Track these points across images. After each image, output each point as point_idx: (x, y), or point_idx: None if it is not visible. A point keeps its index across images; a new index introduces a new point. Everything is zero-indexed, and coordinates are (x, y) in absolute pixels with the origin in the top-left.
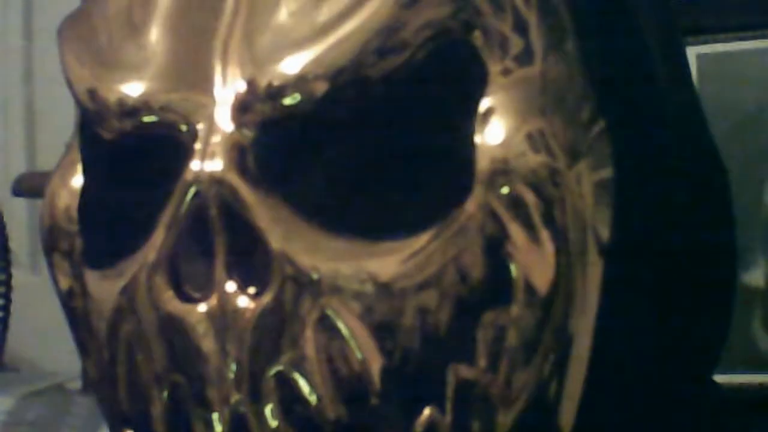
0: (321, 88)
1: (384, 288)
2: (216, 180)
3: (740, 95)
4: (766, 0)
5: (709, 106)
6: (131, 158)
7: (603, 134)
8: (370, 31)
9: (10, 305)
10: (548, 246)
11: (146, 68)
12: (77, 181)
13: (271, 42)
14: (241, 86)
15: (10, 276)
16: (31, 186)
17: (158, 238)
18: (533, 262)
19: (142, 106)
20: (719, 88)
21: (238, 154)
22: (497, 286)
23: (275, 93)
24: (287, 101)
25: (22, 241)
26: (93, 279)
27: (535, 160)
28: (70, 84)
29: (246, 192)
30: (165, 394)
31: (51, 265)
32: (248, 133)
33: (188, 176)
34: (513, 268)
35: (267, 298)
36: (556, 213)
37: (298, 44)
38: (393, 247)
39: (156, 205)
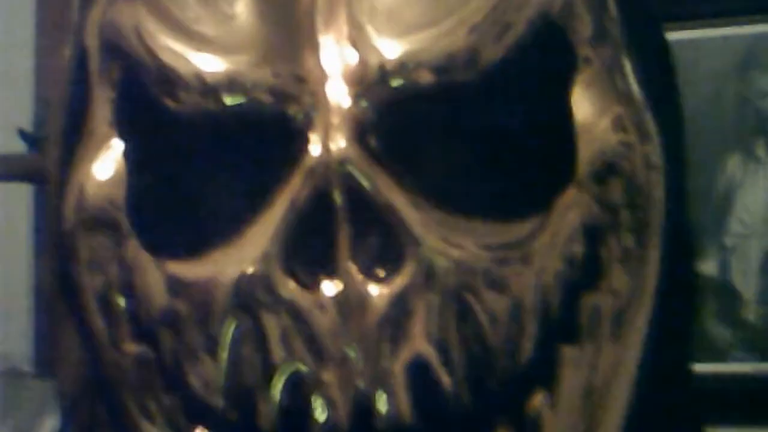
0: (431, 74)
1: (516, 271)
2: (342, 161)
3: (697, 84)
4: None
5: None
6: (212, 139)
7: (654, 122)
8: (481, 16)
9: None
10: (626, 232)
11: (230, 43)
12: (113, 163)
13: (384, 25)
14: (356, 66)
15: None
16: None
17: (271, 224)
18: (616, 245)
19: (230, 83)
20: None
21: (360, 133)
22: (592, 266)
23: (388, 75)
24: (400, 84)
25: None
26: (153, 269)
27: (617, 139)
28: (125, 51)
29: (373, 172)
30: (280, 384)
31: (76, 259)
32: (368, 113)
33: (311, 159)
34: (604, 251)
35: (400, 281)
36: (633, 189)
37: (410, 28)
38: (511, 229)
39: (257, 189)
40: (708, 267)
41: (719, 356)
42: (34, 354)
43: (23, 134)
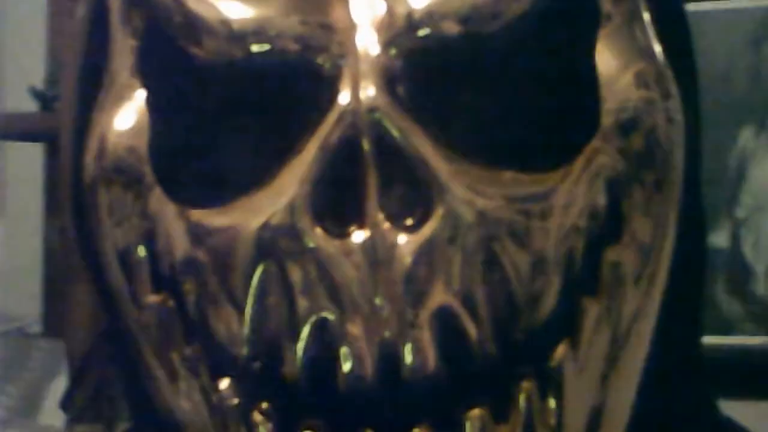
0: (457, 24)
1: (540, 223)
2: (371, 109)
3: (709, 57)
4: None
5: None
6: (237, 87)
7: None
8: None
9: None
10: (648, 184)
11: None
12: (136, 113)
13: None
14: (384, 15)
15: None
16: None
17: (298, 172)
18: (638, 197)
19: (257, 30)
20: None
21: (389, 82)
22: (614, 219)
23: (416, 25)
24: (427, 34)
25: None
26: (176, 219)
27: (639, 95)
28: (154, 1)
29: (402, 121)
30: (306, 332)
31: (96, 209)
32: (397, 62)
33: (339, 107)
34: (625, 205)
35: (427, 230)
36: (654, 144)
37: None
38: (536, 181)
39: (283, 138)
40: (719, 239)
41: (729, 329)
42: (43, 315)
43: (35, 93)
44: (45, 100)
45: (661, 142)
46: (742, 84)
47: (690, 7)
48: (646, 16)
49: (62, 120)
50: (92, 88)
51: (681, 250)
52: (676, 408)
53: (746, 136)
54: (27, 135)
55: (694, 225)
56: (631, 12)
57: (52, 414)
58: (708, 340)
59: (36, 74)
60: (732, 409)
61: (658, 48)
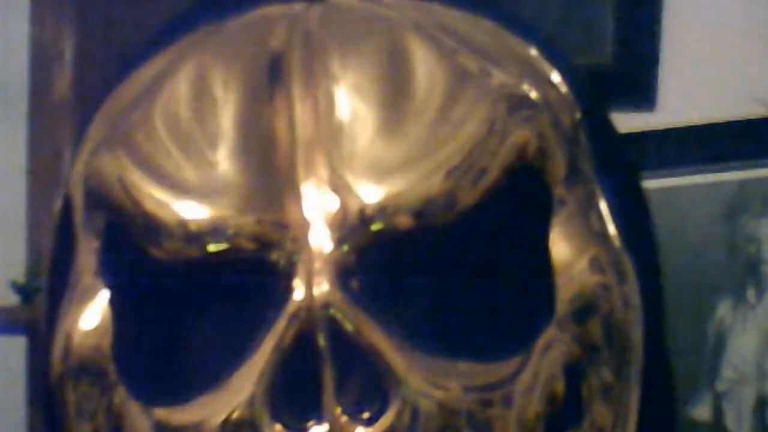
0: (410, 218)
1: (500, 411)
2: (325, 305)
3: (685, 230)
4: (709, 136)
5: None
6: (196, 286)
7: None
8: (458, 160)
9: None
10: (606, 370)
11: (213, 190)
12: (99, 312)
13: (362, 170)
14: (337, 212)
15: None
16: None
17: (256, 368)
18: (597, 382)
19: (214, 230)
20: (659, 221)
21: (342, 277)
22: (573, 406)
23: (368, 220)
24: (380, 228)
25: None
26: (140, 416)
27: (595, 281)
28: (109, 201)
29: (356, 315)
30: None
31: (63, 406)
32: (350, 257)
33: (294, 304)
34: (585, 389)
35: (384, 423)
36: (612, 329)
37: (388, 172)
38: (493, 370)
39: (241, 335)
40: (701, 412)
41: None
42: None
43: (16, 286)
44: (26, 293)
45: (619, 327)
46: (718, 256)
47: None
48: (602, 199)
49: (42, 314)
50: (60, 287)
51: (652, 423)
52: None
53: (724, 308)
54: (8, 328)
55: (664, 404)
56: (586, 196)
57: None
58: None
59: (17, 267)
60: None
61: (613, 231)
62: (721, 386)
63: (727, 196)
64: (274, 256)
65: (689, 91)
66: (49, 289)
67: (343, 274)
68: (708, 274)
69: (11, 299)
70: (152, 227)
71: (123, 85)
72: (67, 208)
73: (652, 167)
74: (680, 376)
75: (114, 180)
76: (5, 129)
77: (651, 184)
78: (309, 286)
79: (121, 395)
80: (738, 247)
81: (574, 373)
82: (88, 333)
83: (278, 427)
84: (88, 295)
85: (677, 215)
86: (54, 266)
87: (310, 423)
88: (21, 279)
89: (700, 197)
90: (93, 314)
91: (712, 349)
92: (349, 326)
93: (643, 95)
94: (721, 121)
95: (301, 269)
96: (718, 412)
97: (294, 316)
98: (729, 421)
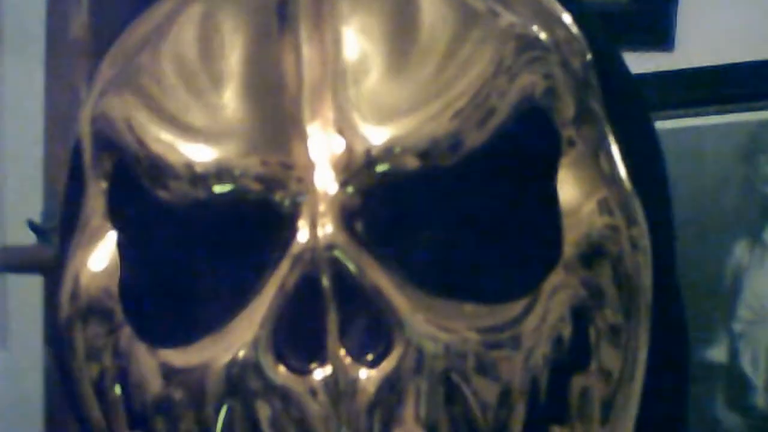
0: (416, 158)
1: (505, 353)
2: (329, 247)
3: (702, 170)
4: (727, 77)
5: (673, 179)
6: (202, 228)
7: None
8: (465, 101)
9: None
10: (614, 313)
11: (219, 132)
12: (107, 254)
13: (368, 111)
14: (342, 153)
15: None
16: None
17: (260, 310)
18: (604, 325)
19: (219, 172)
20: (677, 162)
21: (347, 219)
22: (581, 348)
23: (374, 162)
24: (385, 170)
25: None
26: (146, 357)
27: (603, 222)
28: (116, 143)
29: (360, 257)
30: None
31: (71, 347)
32: (355, 199)
33: (298, 245)
34: (592, 332)
35: (389, 364)
36: (620, 272)
37: (394, 114)
38: (500, 312)
39: (246, 276)
40: (717, 353)
41: None
42: None
43: (33, 226)
44: (42, 232)
45: (627, 270)
46: (735, 197)
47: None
48: (612, 140)
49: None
50: (70, 228)
51: (661, 366)
52: None
53: (741, 249)
54: (26, 267)
55: (675, 342)
56: (596, 138)
57: None
58: None
59: (35, 207)
60: None
61: (623, 173)
62: (737, 327)
63: (744, 137)
64: (279, 197)
65: (708, 31)
66: (60, 230)
67: (347, 215)
68: (725, 215)
69: (28, 239)
70: (158, 169)
71: (132, 26)
72: (78, 150)
73: (669, 108)
74: (696, 318)
75: (121, 122)
76: (22, 68)
77: (668, 124)
78: (313, 227)
79: (127, 336)
80: (755, 188)
81: (581, 316)
82: (95, 274)
83: (282, 368)
84: (96, 236)
85: (694, 156)
86: (65, 208)
87: (314, 365)
88: (37, 219)
89: (718, 138)
90: (101, 256)
91: (728, 290)
92: (352, 267)
93: (662, 35)
94: (739, 62)
95: (305, 211)
96: (734, 354)
97: (298, 258)
98: (745, 362)
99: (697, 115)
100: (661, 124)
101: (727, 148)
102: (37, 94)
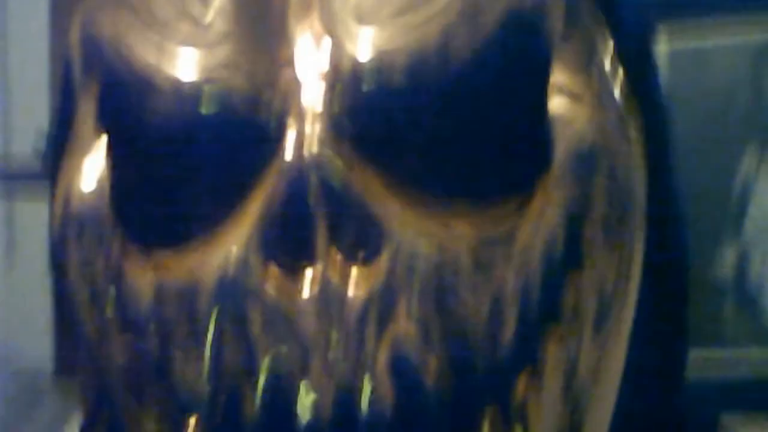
0: (404, 75)
1: (498, 256)
2: (316, 163)
3: (710, 81)
4: None
5: (679, 98)
6: (189, 141)
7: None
8: (453, 15)
9: None
10: (608, 215)
11: (206, 48)
12: (98, 164)
13: (355, 26)
14: (328, 70)
15: None
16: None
17: (250, 216)
18: (598, 232)
19: (205, 91)
20: (688, 81)
21: (333, 135)
22: (574, 250)
23: (360, 78)
24: (372, 87)
25: None
26: (138, 262)
27: (596, 128)
28: (104, 61)
29: (346, 172)
30: (265, 368)
31: (65, 258)
32: (341, 115)
33: (284, 162)
34: (586, 234)
35: (377, 269)
36: (613, 176)
37: (381, 28)
38: (492, 219)
39: (234, 187)
40: (726, 260)
41: (738, 346)
42: (54, 355)
43: (39, 154)
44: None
45: (620, 174)
46: (744, 107)
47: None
48: (605, 49)
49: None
50: (62, 143)
51: (660, 271)
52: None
53: (750, 156)
54: (33, 176)
55: (674, 246)
56: (587, 48)
57: None
58: (718, 356)
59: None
60: (740, 424)
61: (616, 81)
62: (746, 233)
63: (755, 44)
64: (265, 115)
65: None
66: (53, 146)
67: (334, 131)
68: (733, 125)
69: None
70: (145, 87)
71: None
72: (69, 67)
73: (677, 14)
74: (704, 230)
75: (107, 41)
76: None
77: (675, 26)
78: (299, 145)
79: (120, 242)
80: (765, 93)
81: (574, 220)
82: (87, 187)
83: (272, 268)
84: (87, 148)
85: (702, 62)
86: (57, 124)
87: (303, 270)
88: (42, 139)
89: (728, 43)
90: (92, 166)
91: (736, 201)
92: (338, 183)
93: None
94: None
95: (291, 128)
96: (741, 265)
97: (286, 172)
98: (753, 273)
99: (707, 18)
100: (672, 45)
101: (737, 57)
102: (42, 13)
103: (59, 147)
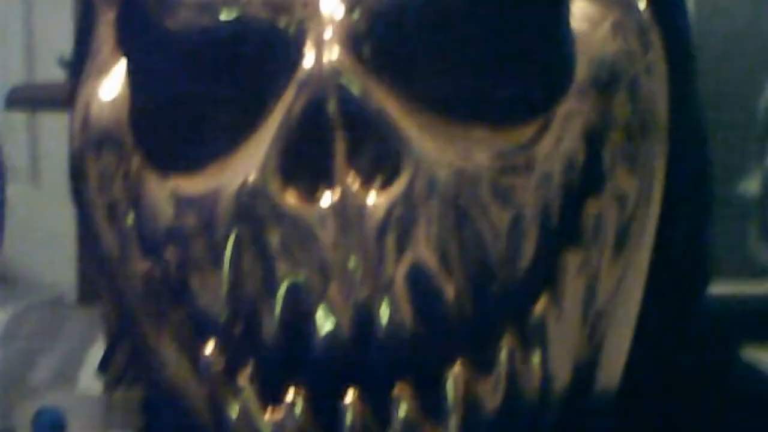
0: None
1: (517, 177)
2: (334, 72)
3: (736, 5)
4: None
5: (706, 16)
6: (209, 55)
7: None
8: None
9: (4, 220)
10: (629, 137)
11: None
12: (118, 84)
13: None
14: None
15: (3, 189)
16: (27, 98)
17: (267, 136)
18: (619, 151)
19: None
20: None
21: (354, 44)
22: (594, 171)
23: None
24: None
25: (20, 154)
26: (157, 185)
27: (617, 46)
28: None
29: (367, 82)
30: (283, 293)
31: (84, 178)
32: (361, 23)
33: (303, 71)
34: (606, 157)
35: (397, 188)
36: (634, 97)
37: None
38: (512, 136)
39: (254, 102)
40: (751, 187)
41: (762, 276)
42: (78, 282)
43: (63, 62)
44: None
45: (642, 95)
46: None
47: None
48: None
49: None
50: (82, 60)
51: (682, 199)
52: (682, 358)
53: None
54: (57, 104)
55: (696, 173)
56: None
57: (90, 380)
58: (740, 287)
59: (65, 44)
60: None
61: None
62: None
63: None
64: (284, 23)
65: None
66: (74, 63)
67: (354, 40)
68: (760, 52)
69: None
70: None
71: None
72: None
73: None
74: (730, 153)
75: None
76: None
77: None
78: (319, 53)
79: (138, 163)
80: None
81: (595, 140)
82: (106, 103)
83: (290, 193)
84: (106, 66)
85: None
86: (78, 41)
87: (323, 189)
88: (68, 55)
89: None
90: (111, 85)
91: (762, 125)
92: (358, 93)
93: None
94: None
95: (311, 36)
96: (767, 187)
97: (304, 83)
98: None
99: None
100: None
101: None
102: None
103: (79, 64)
